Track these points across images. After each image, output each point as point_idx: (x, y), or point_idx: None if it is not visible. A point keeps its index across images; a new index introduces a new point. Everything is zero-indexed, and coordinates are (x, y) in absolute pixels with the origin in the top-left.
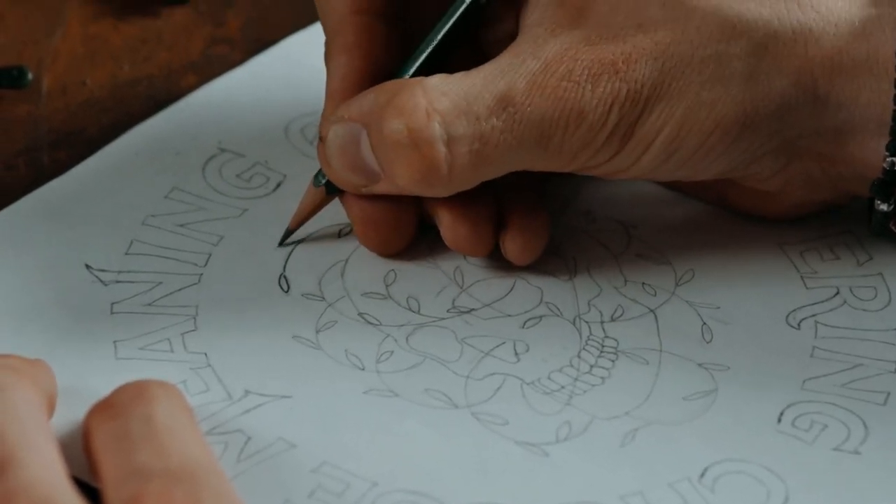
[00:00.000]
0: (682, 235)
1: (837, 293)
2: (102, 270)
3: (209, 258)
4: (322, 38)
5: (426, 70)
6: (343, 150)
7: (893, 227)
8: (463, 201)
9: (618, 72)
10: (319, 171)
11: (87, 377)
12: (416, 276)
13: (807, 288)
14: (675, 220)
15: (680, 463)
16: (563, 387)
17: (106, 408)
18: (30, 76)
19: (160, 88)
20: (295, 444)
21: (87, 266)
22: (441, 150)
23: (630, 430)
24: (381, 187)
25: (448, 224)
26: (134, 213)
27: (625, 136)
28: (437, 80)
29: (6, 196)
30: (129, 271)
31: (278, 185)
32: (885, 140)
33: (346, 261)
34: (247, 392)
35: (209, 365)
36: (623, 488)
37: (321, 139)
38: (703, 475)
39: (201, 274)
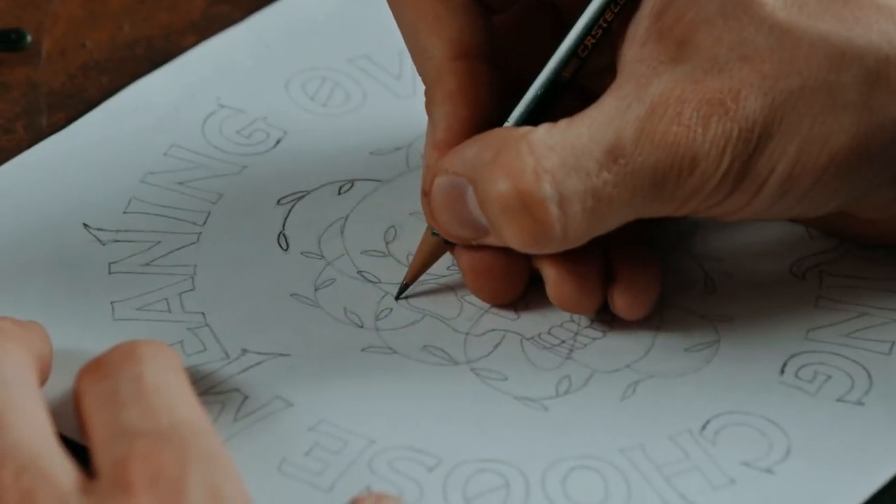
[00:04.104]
0: None
1: (842, 241)
2: (100, 230)
3: (208, 217)
4: None
5: (533, 115)
6: (449, 204)
7: None
8: (570, 257)
9: (727, 111)
10: None
11: (83, 338)
12: (416, 233)
13: (811, 237)
14: None
15: (681, 415)
16: (563, 341)
17: (96, 368)
18: (29, 39)
19: (160, 49)
20: (292, 402)
21: (85, 225)
22: (554, 210)
23: (631, 384)
24: (491, 240)
25: (554, 282)
26: (132, 171)
27: (738, 178)
28: (543, 133)
29: (4, 160)
30: (127, 230)
31: (278, 142)
32: None
33: (346, 218)
34: (244, 351)
35: (207, 324)
36: (623, 442)
37: (424, 193)
38: (704, 428)
39: (200, 233)
